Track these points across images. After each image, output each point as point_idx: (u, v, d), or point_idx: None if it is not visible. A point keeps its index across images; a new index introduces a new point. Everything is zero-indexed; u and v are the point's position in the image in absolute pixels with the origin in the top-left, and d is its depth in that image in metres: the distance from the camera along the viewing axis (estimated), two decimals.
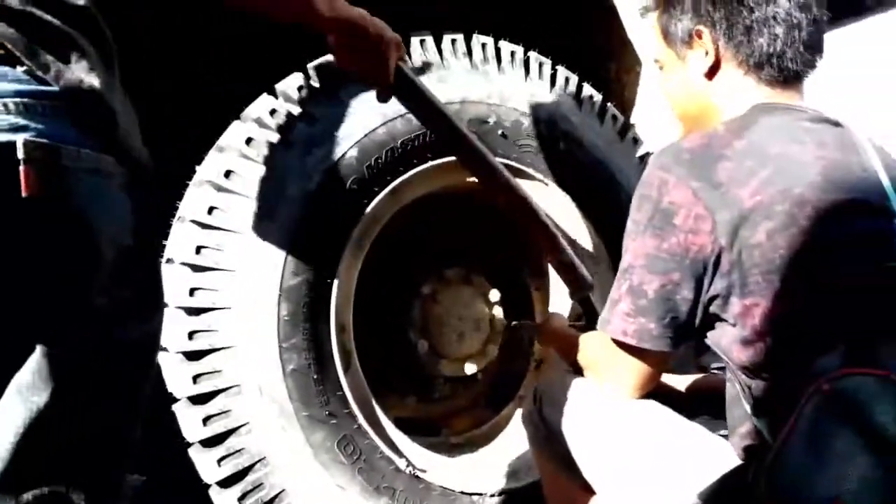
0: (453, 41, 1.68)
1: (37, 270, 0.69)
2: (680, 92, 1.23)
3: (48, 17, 0.69)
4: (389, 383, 1.77)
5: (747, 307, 1.03)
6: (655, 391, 1.22)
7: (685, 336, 1.11)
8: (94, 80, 0.70)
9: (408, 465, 1.55)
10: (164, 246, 1.39)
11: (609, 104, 1.88)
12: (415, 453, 1.60)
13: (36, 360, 0.69)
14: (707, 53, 1.16)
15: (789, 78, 1.14)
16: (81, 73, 0.70)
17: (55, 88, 0.68)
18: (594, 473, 1.17)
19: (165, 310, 1.37)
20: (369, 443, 1.51)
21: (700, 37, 1.16)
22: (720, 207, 1.03)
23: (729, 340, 1.08)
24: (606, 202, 1.78)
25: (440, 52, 1.65)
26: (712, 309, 1.08)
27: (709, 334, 1.12)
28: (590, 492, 1.21)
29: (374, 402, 1.57)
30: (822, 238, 1.01)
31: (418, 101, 1.39)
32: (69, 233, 0.70)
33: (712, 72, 1.17)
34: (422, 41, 1.64)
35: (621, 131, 1.87)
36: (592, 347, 1.23)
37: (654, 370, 1.15)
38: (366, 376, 1.57)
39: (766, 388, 1.07)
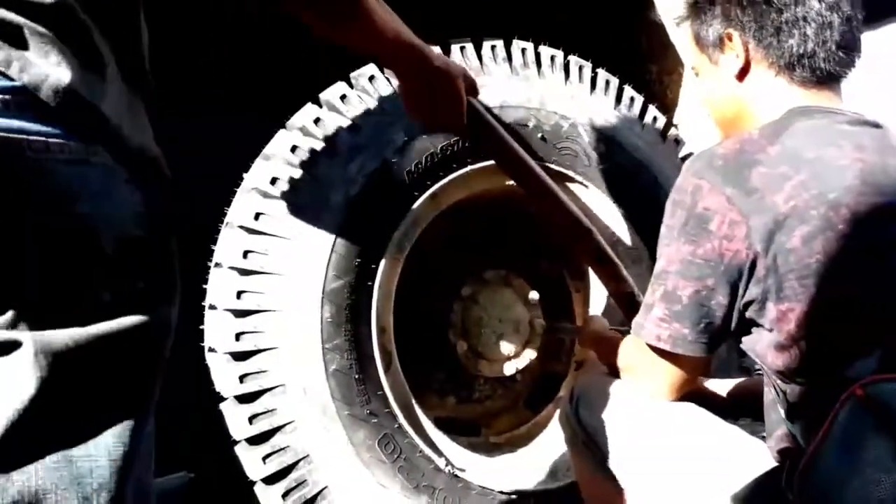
0: (493, 47, 1.70)
1: (28, 262, 0.71)
2: (715, 96, 1.23)
3: (10, 14, 0.70)
4: (430, 384, 1.80)
5: (783, 312, 1.03)
6: (695, 394, 1.23)
7: (719, 341, 1.11)
8: (62, 75, 0.71)
9: (447, 465, 1.57)
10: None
11: (651, 105, 1.88)
12: (454, 453, 1.63)
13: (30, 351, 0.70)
14: (738, 56, 1.17)
15: (823, 79, 1.14)
16: (49, 67, 0.71)
17: (17, 83, 0.69)
18: (629, 475, 1.19)
19: (211, 311, 1.44)
20: (409, 442, 1.54)
21: (730, 39, 1.17)
22: (755, 213, 1.03)
23: (764, 346, 1.08)
24: (647, 204, 1.77)
25: (480, 57, 1.67)
26: (748, 314, 1.08)
27: (744, 339, 1.13)
28: (626, 493, 1.22)
29: (413, 402, 1.60)
30: (858, 242, 1.01)
31: (492, 141, 1.41)
32: (51, 223, 0.71)
33: (743, 74, 1.17)
34: (462, 48, 1.66)
35: (663, 132, 1.87)
36: (629, 351, 1.24)
37: (689, 374, 1.16)
38: (406, 377, 1.60)
39: (800, 393, 1.07)
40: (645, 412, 1.18)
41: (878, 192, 1.03)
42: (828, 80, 1.14)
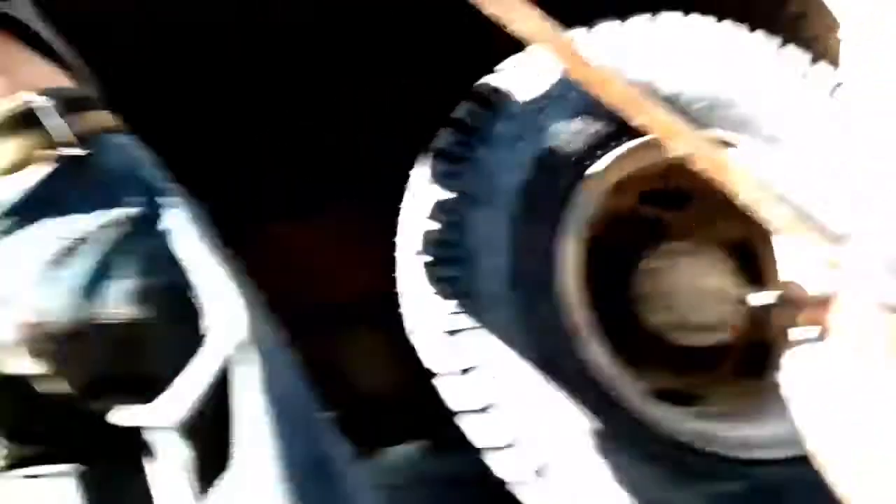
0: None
1: None
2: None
3: None
4: (633, 358, 1.81)
5: None
6: None
7: None
8: None
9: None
10: None
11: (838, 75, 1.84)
12: (672, 420, 1.61)
13: None
14: None
15: None
16: None
17: None
18: None
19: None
20: (625, 413, 1.56)
21: None
22: None
23: None
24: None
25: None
26: None
27: None
28: None
29: (621, 375, 1.62)
30: None
31: None
32: None
33: None
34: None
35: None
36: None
37: None
38: (612, 349, 1.64)
39: None
40: None
41: None
42: None
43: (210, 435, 0.81)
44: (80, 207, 0.82)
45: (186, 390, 0.82)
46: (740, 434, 1.66)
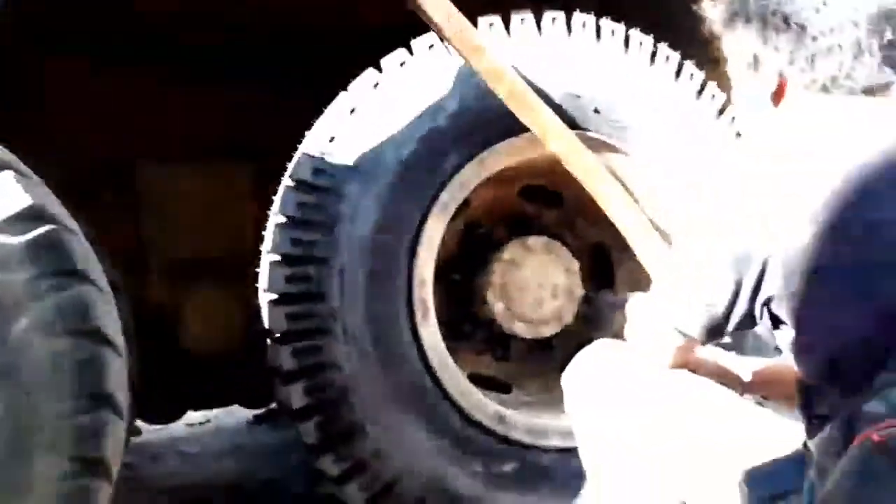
0: (553, 19, 1.74)
1: None
2: (751, 109, 1.23)
3: None
4: (468, 340, 1.90)
5: (794, 312, 1.05)
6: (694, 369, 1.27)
7: (719, 330, 1.13)
8: None
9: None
10: None
11: (709, 83, 1.88)
12: (484, 406, 1.73)
13: None
14: (772, 76, 1.15)
15: (868, 90, 1.11)
16: None
17: None
18: (628, 438, 1.24)
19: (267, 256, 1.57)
20: (440, 389, 1.65)
21: (765, 61, 1.15)
22: (775, 214, 1.04)
23: (786, 344, 1.11)
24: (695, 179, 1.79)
25: (539, 28, 1.72)
26: (774, 310, 1.08)
27: (777, 335, 1.15)
28: (622, 455, 1.26)
29: (447, 354, 1.70)
30: (869, 256, 1.00)
31: None
32: None
33: (778, 96, 1.16)
34: (522, 19, 1.71)
35: (720, 110, 1.87)
36: (640, 317, 1.27)
37: (684, 351, 1.20)
38: (444, 331, 1.70)
39: (814, 409, 1.07)
40: (645, 379, 1.22)
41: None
42: (871, 90, 1.11)
43: None
44: None
45: None
46: (538, 422, 1.77)
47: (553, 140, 1.62)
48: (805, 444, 1.08)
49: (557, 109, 1.68)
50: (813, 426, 1.08)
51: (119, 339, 1.16)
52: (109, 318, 1.16)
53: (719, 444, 1.16)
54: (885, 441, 0.88)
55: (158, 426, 2.41)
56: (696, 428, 1.19)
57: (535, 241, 1.85)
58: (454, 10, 1.45)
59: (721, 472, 1.15)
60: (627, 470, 1.23)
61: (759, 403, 1.24)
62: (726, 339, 1.27)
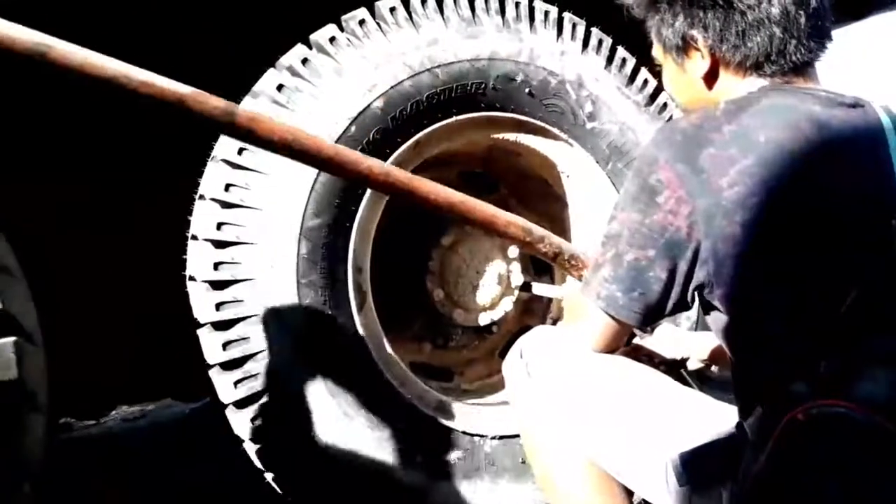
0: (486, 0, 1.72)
1: None
2: (682, 93, 1.22)
3: None
4: (406, 328, 1.85)
5: (723, 297, 1.04)
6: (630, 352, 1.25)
7: (654, 315, 1.11)
8: None
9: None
10: None
11: (643, 68, 1.88)
12: (424, 394, 1.68)
13: None
14: (703, 58, 1.14)
15: (797, 67, 1.11)
16: None
17: None
18: (571, 424, 1.20)
19: (193, 241, 1.49)
20: (378, 378, 1.59)
21: (694, 42, 1.13)
22: (700, 194, 1.02)
23: (717, 328, 1.10)
24: (630, 167, 1.79)
25: (473, 8, 1.69)
26: (706, 295, 1.08)
27: (709, 320, 1.13)
28: (567, 441, 1.23)
29: (386, 342, 1.64)
30: (799, 233, 1.00)
31: None
32: None
33: (710, 76, 1.15)
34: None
35: (652, 95, 1.88)
36: (575, 302, 1.25)
37: (618, 336, 1.17)
38: (382, 319, 1.64)
39: (747, 390, 1.08)
40: (578, 362, 1.18)
41: (833, 186, 1.01)
42: (801, 67, 1.12)
43: None
44: None
45: None
46: (479, 410, 1.74)
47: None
48: (740, 425, 1.08)
49: (492, 91, 1.66)
50: (746, 407, 1.08)
51: (35, 329, 1.08)
52: (23, 306, 1.07)
53: (646, 419, 1.15)
54: (808, 420, 0.90)
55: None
56: (626, 404, 1.17)
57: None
58: None
59: (639, 441, 1.14)
60: (567, 455, 1.20)
61: (711, 373, 1.23)
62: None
